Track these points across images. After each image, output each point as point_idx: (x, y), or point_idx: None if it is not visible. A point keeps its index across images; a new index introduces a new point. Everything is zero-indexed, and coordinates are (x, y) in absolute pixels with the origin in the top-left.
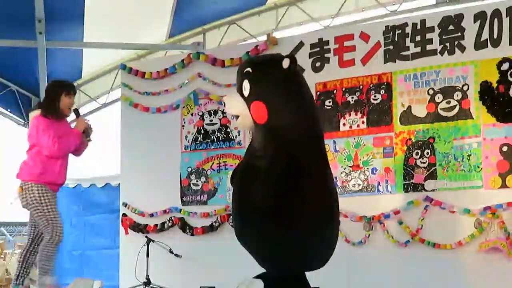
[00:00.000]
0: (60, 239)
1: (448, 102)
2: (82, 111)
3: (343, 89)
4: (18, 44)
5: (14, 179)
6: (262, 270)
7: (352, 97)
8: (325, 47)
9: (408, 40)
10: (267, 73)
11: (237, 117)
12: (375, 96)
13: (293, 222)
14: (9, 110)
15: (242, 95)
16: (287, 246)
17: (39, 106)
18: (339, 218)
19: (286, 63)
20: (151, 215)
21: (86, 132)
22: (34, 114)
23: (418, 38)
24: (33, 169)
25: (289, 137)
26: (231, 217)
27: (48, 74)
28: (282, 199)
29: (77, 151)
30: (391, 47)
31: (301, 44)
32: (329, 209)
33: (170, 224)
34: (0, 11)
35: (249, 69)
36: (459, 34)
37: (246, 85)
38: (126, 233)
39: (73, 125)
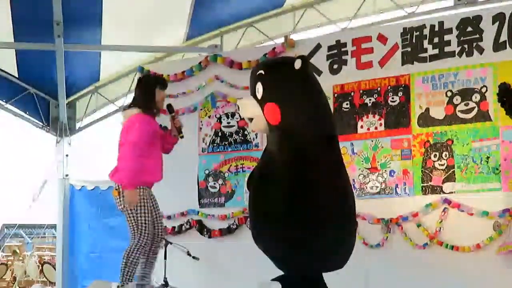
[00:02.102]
0: (147, 245)
1: (467, 104)
2: (100, 113)
3: (361, 91)
4: (37, 47)
5: (32, 181)
6: (280, 272)
7: (370, 99)
8: (342, 49)
9: (426, 42)
10: (280, 75)
11: (251, 120)
12: (393, 98)
13: (307, 223)
14: (27, 112)
15: (255, 97)
16: (302, 247)
17: (133, 103)
18: (355, 219)
19: (298, 64)
20: (169, 217)
21: (179, 129)
22: (133, 112)
23: (436, 40)
24: (129, 169)
25: (302, 137)
26: (248, 219)
27: (66, 77)
28: (296, 200)
29: (167, 149)
30: (409, 49)
31: (318, 46)
32: (344, 210)
33: (187, 226)
34: (18, 14)
35: (262, 71)
36: (478, 35)
37: (259, 88)
38: None
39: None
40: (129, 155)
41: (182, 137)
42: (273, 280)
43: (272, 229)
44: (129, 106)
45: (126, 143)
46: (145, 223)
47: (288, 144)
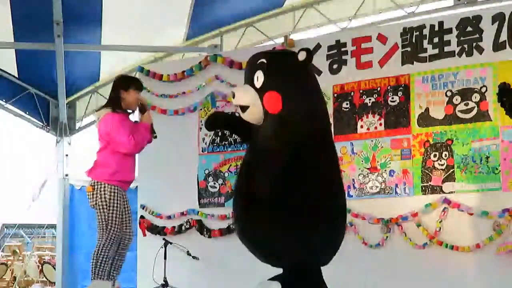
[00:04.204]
0: (114, 244)
1: (466, 104)
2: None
3: (361, 91)
4: (37, 47)
5: (32, 181)
6: (279, 271)
7: (370, 99)
8: (342, 49)
9: (425, 41)
10: (283, 64)
11: (244, 109)
12: (392, 98)
13: (293, 213)
14: (27, 112)
15: (253, 86)
16: (278, 237)
17: (106, 104)
18: (342, 213)
19: (302, 56)
20: (169, 217)
21: (152, 128)
22: (103, 112)
23: (436, 39)
24: (106, 168)
25: (302, 127)
26: None
27: (66, 76)
28: (290, 188)
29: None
30: (408, 48)
31: (318, 46)
32: (337, 204)
33: (187, 226)
34: (18, 14)
35: (263, 60)
36: (477, 35)
37: (259, 76)
38: (144, 235)
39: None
40: (106, 155)
41: (155, 137)
42: (270, 279)
43: (255, 216)
44: (101, 107)
45: (106, 145)
46: (115, 222)
47: (287, 133)
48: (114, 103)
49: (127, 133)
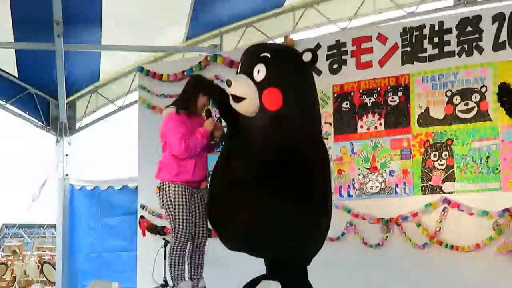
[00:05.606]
0: (184, 243)
1: (466, 104)
2: (100, 113)
3: (361, 91)
4: (37, 47)
5: (32, 181)
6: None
7: (370, 99)
8: (342, 49)
9: (425, 41)
10: (287, 62)
11: (239, 100)
12: (392, 98)
13: (277, 208)
14: (27, 112)
15: (252, 78)
16: (261, 230)
17: (174, 102)
18: (328, 214)
19: (307, 57)
20: None
21: (212, 135)
22: (167, 111)
23: (435, 39)
24: (169, 170)
25: (298, 127)
26: None
27: (66, 76)
28: (271, 186)
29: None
30: (408, 48)
31: (318, 46)
32: (327, 203)
33: None
34: (18, 14)
35: (267, 54)
36: (477, 35)
37: (261, 69)
38: (144, 235)
39: None
40: (168, 156)
41: (213, 143)
42: (253, 279)
43: (249, 204)
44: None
45: (166, 145)
46: (183, 221)
47: (282, 131)
48: (180, 103)
49: (179, 136)
